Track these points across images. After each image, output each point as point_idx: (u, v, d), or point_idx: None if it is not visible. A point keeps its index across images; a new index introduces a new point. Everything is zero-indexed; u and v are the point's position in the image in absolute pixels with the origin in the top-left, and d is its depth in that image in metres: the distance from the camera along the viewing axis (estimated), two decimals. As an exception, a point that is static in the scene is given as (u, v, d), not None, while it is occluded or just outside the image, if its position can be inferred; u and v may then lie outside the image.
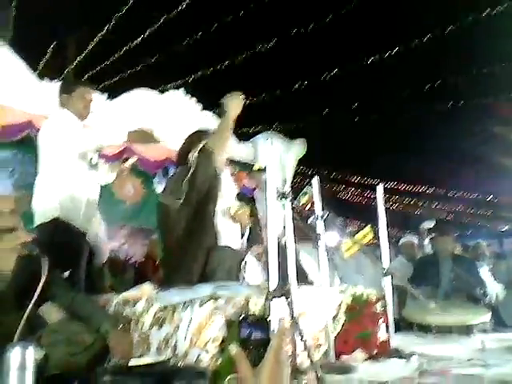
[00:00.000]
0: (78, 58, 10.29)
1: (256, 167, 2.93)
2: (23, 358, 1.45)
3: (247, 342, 0.94)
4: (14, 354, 1.44)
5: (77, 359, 2.08)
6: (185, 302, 2.20)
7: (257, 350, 0.93)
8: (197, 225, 2.73)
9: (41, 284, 1.75)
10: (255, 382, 0.90)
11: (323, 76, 10.53)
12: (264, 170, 2.86)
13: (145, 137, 3.21)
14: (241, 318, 0.96)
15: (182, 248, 2.69)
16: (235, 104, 2.87)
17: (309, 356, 1.98)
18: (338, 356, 2.72)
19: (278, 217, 2.90)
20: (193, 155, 2.83)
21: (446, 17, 9.97)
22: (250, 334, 0.95)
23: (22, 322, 1.64)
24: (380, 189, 3.40)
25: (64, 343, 2.09)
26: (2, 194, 2.06)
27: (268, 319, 0.98)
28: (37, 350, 1.67)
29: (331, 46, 12.23)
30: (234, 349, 0.92)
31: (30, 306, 1.72)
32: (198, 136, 3.07)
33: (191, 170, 2.73)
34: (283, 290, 2.02)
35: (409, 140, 14.30)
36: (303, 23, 9.83)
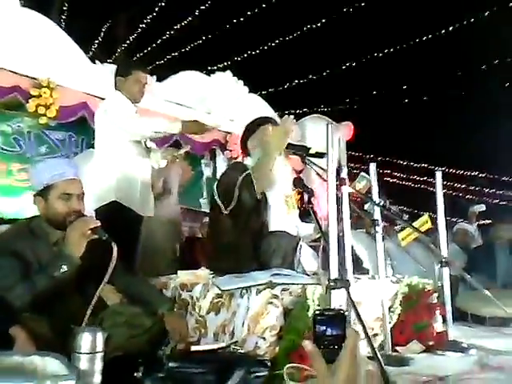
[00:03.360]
0: (128, 40, 10.40)
1: (312, 151, 2.84)
2: (93, 342, 1.48)
3: (322, 338, 0.90)
4: (85, 338, 1.47)
5: (137, 341, 2.11)
6: (241, 289, 2.19)
7: (332, 346, 0.89)
8: (246, 228, 2.78)
9: (110, 268, 1.79)
10: (331, 381, 0.87)
11: (371, 56, 10.25)
12: (320, 154, 2.81)
13: (199, 128, 3.21)
14: (316, 312, 0.92)
15: (236, 235, 2.70)
16: (277, 144, 2.71)
17: (370, 345, 1.95)
18: (393, 347, 2.67)
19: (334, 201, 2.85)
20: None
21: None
22: (326, 330, 0.91)
23: (90, 306, 1.68)
24: (439, 175, 3.26)
25: (125, 325, 2.11)
26: (70, 178, 2.12)
27: (345, 314, 0.94)
28: (102, 330, 1.71)
29: (379, 24, 11.86)
30: (308, 345, 0.90)
31: (100, 288, 1.76)
32: (256, 123, 3.06)
33: (233, 200, 2.71)
34: (344, 282, 1.98)
35: (460, 123, 13.81)
36: (351, 2, 9.58)
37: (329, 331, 0.90)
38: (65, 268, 1.91)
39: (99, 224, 2.00)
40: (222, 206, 2.76)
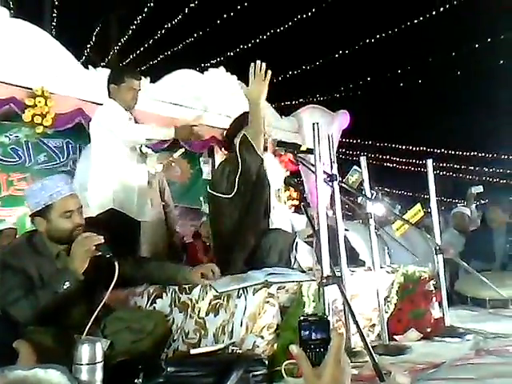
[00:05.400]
0: (119, 42, 10.39)
1: (303, 148, 2.88)
2: (93, 353, 1.55)
3: (307, 342, 0.96)
4: (85, 350, 1.54)
5: (139, 345, 2.18)
6: (239, 290, 2.25)
7: (317, 349, 0.95)
8: (250, 212, 2.77)
9: (112, 286, 1.85)
10: (317, 382, 0.92)
11: (363, 43, 10.22)
12: (311, 151, 2.84)
13: (190, 133, 3.25)
14: (301, 318, 0.98)
15: (235, 235, 2.74)
16: (256, 92, 2.67)
17: (362, 338, 2.01)
18: (391, 336, 2.73)
19: (326, 199, 2.90)
20: (236, 146, 2.79)
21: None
22: (311, 334, 0.97)
23: (92, 319, 1.74)
24: (430, 163, 3.28)
25: (127, 331, 2.19)
26: (69, 193, 2.17)
27: (328, 319, 0.99)
28: (103, 340, 1.77)
29: (369, 11, 11.82)
30: (294, 349, 0.95)
31: (100, 305, 1.82)
32: (241, 121, 3.05)
33: (239, 169, 2.72)
34: (336, 279, 2.04)
35: (456, 103, 13.79)
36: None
37: (314, 335, 0.96)
38: (68, 284, 1.97)
39: (103, 241, 2.05)
40: (226, 190, 2.79)
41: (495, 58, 10.64)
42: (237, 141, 2.95)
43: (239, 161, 2.73)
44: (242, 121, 3.05)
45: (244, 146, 2.74)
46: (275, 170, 3.04)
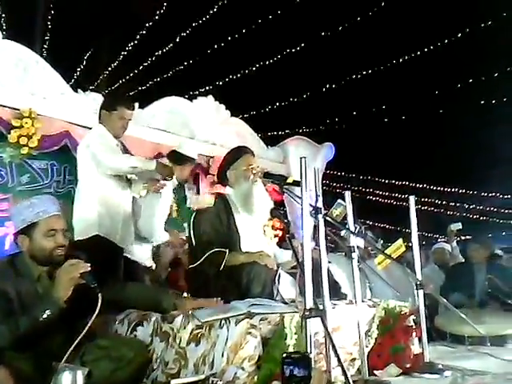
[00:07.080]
0: (109, 67, 10.48)
1: (290, 180, 2.93)
2: (74, 381, 1.53)
3: (290, 379, 0.99)
4: (65, 377, 1.52)
5: (119, 374, 2.15)
6: (221, 320, 2.24)
7: (299, 387, 0.97)
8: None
9: (93, 317, 1.84)
10: None
11: (349, 78, 10.48)
12: (297, 183, 2.88)
13: (169, 171, 3.31)
14: (284, 355, 1.00)
15: (217, 265, 2.77)
16: None
17: (343, 372, 2.01)
18: (371, 371, 2.72)
19: (310, 231, 2.93)
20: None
21: (475, 15, 9.86)
22: (293, 371, 0.99)
23: (71, 348, 1.72)
24: (412, 199, 3.34)
25: (107, 359, 2.16)
26: (55, 213, 2.18)
27: (310, 356, 1.02)
28: (82, 368, 1.75)
29: (358, 47, 12.15)
30: (277, 386, 0.97)
31: (80, 336, 1.80)
32: (235, 154, 3.14)
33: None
34: (319, 312, 2.05)
35: (439, 140, 14.10)
36: (329, 26, 9.84)
37: (296, 371, 0.99)
38: (48, 312, 1.95)
39: (89, 269, 2.04)
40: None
41: (478, 97, 10.98)
42: (230, 174, 3.05)
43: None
44: (229, 161, 3.17)
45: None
46: (264, 202, 3.08)
